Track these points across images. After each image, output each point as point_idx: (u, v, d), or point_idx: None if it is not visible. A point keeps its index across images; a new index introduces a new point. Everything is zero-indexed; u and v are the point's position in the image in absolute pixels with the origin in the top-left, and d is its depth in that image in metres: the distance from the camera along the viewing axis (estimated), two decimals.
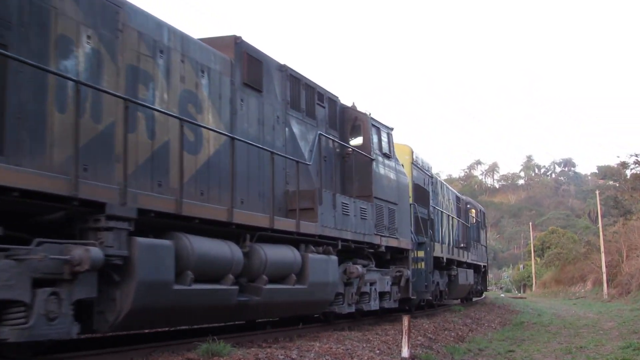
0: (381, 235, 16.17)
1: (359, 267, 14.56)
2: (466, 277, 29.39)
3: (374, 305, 15.95)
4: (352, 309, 14.97)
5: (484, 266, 38.46)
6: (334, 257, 13.53)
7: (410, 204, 19.81)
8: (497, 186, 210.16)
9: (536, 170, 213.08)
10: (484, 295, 45.27)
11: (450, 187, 30.98)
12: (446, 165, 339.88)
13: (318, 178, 13.98)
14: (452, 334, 16.74)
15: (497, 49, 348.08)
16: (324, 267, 12.99)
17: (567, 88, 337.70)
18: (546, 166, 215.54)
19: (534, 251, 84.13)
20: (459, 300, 33.00)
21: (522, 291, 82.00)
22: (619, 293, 43.80)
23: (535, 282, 77.30)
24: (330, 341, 11.67)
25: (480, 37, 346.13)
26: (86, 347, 9.64)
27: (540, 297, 57.96)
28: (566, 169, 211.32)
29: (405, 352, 11.06)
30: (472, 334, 17.91)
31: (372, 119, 16.47)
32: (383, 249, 16.33)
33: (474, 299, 36.35)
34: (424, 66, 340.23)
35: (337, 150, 15.59)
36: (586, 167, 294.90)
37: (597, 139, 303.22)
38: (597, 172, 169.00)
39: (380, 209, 16.34)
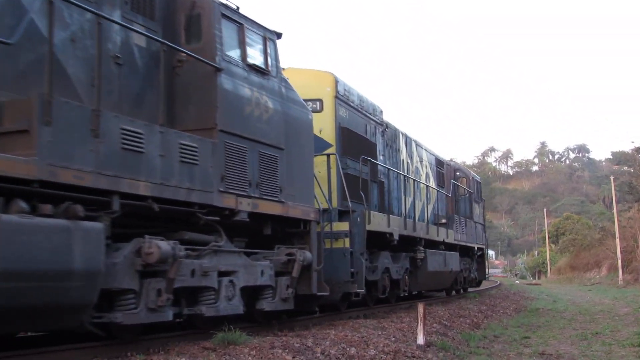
0: (239, 194, 9.74)
1: (165, 245, 8.14)
2: (444, 262, 21.25)
3: (228, 307, 9.67)
4: (167, 316, 8.56)
5: (481, 249, 29.32)
6: (92, 226, 7.07)
7: (329, 155, 13.99)
8: (511, 173, 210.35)
9: (550, 157, 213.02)
10: (499, 283, 45.02)
11: (427, 147, 22.55)
12: (460, 152, 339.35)
13: (86, 90, 7.84)
14: (467, 320, 16.54)
15: (511, 35, 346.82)
16: (49, 242, 6.50)
17: (581, 74, 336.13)
18: (560, 152, 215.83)
19: (549, 237, 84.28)
20: (444, 292, 25.56)
21: (536, 278, 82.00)
22: (634, 279, 43.52)
23: (550, 269, 77.30)
24: (345, 329, 11.61)
25: (492, 25, 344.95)
26: (101, 337, 9.67)
27: (555, 284, 57.77)
28: (580, 155, 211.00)
29: (420, 340, 10.99)
30: (487, 321, 17.76)
31: (224, 5, 10.07)
32: (244, 216, 9.90)
33: (470, 290, 28.62)
34: (437, 53, 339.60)
35: (163, 53, 8.98)
36: (600, 152, 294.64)
37: (611, 125, 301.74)
38: (611, 157, 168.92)
39: (240, 152, 9.87)
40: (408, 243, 18.48)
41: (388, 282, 16.74)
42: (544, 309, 22.91)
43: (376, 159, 16.67)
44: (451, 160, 26.98)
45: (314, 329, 11.63)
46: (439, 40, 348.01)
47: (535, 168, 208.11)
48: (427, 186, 21.47)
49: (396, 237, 16.82)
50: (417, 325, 11.24)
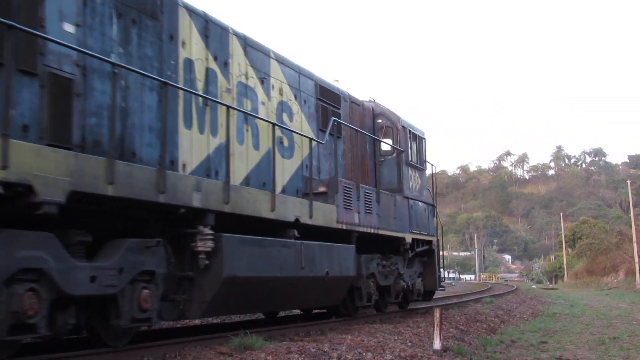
0: None
1: None
2: (300, 261, 11.38)
3: None
4: None
5: (427, 242, 17.99)
6: None
7: None
8: (527, 177, 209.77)
9: (566, 161, 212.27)
10: (515, 287, 44.66)
11: (290, 61, 13.01)
12: (476, 156, 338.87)
13: None
14: (484, 325, 16.42)
15: (528, 39, 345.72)
16: None
17: (596, 76, 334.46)
18: (576, 156, 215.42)
19: (565, 242, 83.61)
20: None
21: (553, 282, 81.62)
22: None
23: (567, 273, 76.74)
24: (361, 334, 11.53)
25: (509, 30, 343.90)
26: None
27: (572, 288, 57.30)
28: (597, 158, 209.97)
29: (437, 344, 10.92)
30: (503, 326, 17.60)
31: None
32: None
33: (411, 306, 18.75)
34: (454, 57, 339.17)
35: None
36: (617, 156, 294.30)
37: (628, 128, 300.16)
38: (628, 161, 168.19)
39: None
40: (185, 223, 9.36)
41: (29, 307, 6.85)
42: (561, 314, 22.72)
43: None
44: (370, 99, 17.03)
45: (330, 334, 11.56)
46: (456, 45, 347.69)
47: (551, 172, 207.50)
48: (275, 125, 11.58)
49: (57, 197, 7.10)
50: (433, 330, 11.17)
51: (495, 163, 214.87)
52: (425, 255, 18.24)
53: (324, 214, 12.55)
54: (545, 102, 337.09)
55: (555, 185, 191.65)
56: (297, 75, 13.21)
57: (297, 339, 10.40)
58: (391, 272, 15.74)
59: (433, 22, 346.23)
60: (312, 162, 13.03)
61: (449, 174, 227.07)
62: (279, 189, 11.63)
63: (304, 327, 11.93)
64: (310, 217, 11.97)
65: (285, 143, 12.37)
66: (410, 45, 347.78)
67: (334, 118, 13.83)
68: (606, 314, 22.31)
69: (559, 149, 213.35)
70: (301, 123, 13.13)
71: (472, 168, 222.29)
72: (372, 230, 14.44)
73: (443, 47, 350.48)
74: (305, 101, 13.37)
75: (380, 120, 16.82)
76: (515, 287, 47.40)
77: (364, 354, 9.33)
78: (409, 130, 17.45)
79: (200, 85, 10.21)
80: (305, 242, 11.70)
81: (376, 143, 16.33)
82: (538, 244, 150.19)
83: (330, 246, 12.68)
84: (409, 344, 11.11)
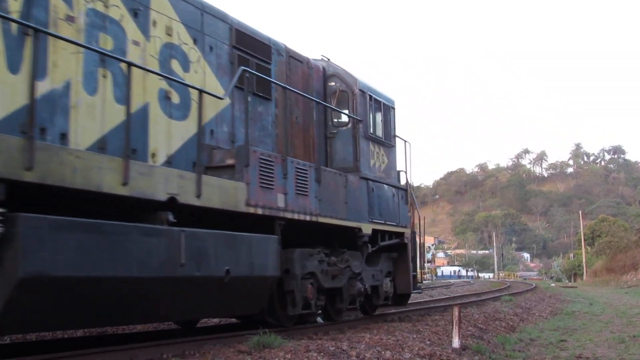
0: None
1: None
2: (176, 257, 7.95)
3: None
4: None
5: (398, 234, 14.75)
6: None
7: None
8: (545, 175, 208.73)
9: (585, 158, 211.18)
10: (534, 286, 44.51)
11: (206, 5, 10.16)
12: (494, 154, 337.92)
13: None
14: (503, 324, 16.35)
15: (545, 36, 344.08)
16: None
17: (615, 72, 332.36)
18: (595, 154, 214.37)
19: (584, 240, 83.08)
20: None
21: (572, 280, 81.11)
22: None
23: (586, 271, 76.30)
24: (380, 332, 11.51)
25: (527, 26, 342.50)
26: (139, 339, 9.73)
27: (591, 286, 56.91)
28: (616, 156, 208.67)
29: (456, 343, 10.86)
30: (523, 324, 17.49)
31: None
32: None
33: (392, 310, 15.86)
34: (470, 50, 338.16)
35: None
36: (636, 154, 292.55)
37: None
38: None
39: None
40: None
41: None
42: (580, 312, 22.56)
43: None
44: (322, 58, 13.95)
45: (349, 332, 11.52)
46: (472, 40, 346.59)
47: (570, 170, 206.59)
48: (131, 65, 7.89)
49: None
50: (452, 328, 11.12)
51: (514, 161, 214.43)
52: (396, 251, 14.95)
53: (223, 193, 9.09)
54: (565, 99, 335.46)
55: (574, 183, 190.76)
56: (198, 12, 9.94)
57: (316, 338, 10.37)
58: (341, 271, 12.33)
59: (447, 12, 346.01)
60: (223, 126, 10.22)
61: (468, 172, 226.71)
62: (160, 158, 8.66)
63: (323, 326, 11.91)
64: (198, 196, 8.57)
65: (176, 99, 9.13)
66: (423, 39, 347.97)
67: (242, 67, 10.20)
68: (626, 312, 22.13)
69: (578, 146, 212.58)
70: (204, 75, 9.90)
71: (491, 166, 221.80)
72: (308, 218, 11.08)
73: (459, 42, 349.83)
74: (211, 48, 10.16)
75: (333, 83, 13.56)
76: (534, 285, 47.14)
77: (383, 352, 9.28)
78: (370, 96, 13.97)
79: (15, 6, 6.92)
80: (188, 229, 8.25)
81: (327, 111, 13.32)
82: (557, 242, 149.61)
83: (233, 236, 9.19)
84: (428, 342, 11.06)
